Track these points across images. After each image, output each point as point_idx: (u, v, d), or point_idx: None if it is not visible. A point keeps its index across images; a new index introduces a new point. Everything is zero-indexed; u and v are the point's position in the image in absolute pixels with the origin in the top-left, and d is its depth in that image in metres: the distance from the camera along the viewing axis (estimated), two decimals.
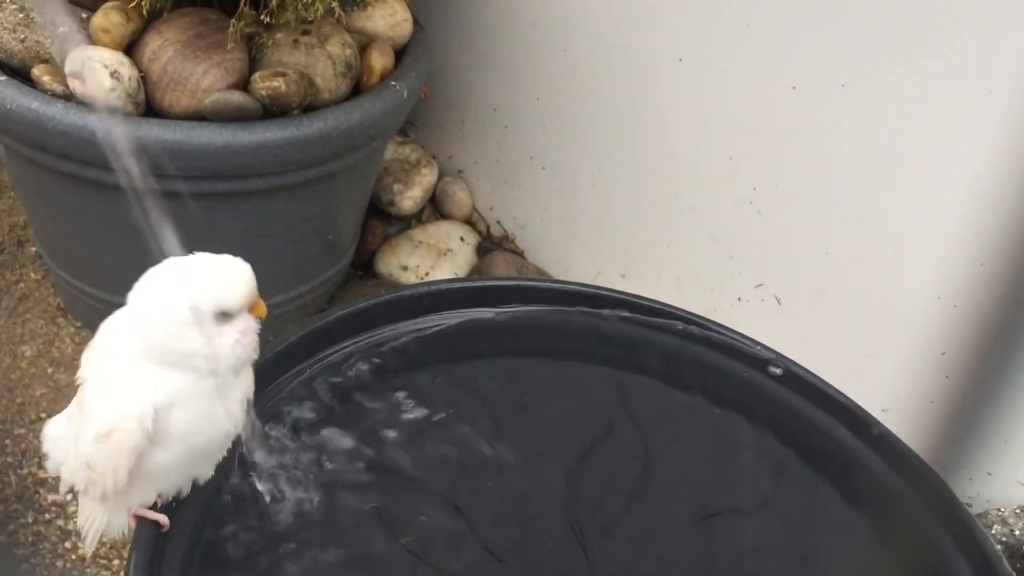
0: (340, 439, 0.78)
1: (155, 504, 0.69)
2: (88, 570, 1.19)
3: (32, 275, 1.56)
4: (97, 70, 1.14)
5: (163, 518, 0.68)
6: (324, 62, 1.27)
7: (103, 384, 0.66)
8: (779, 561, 0.77)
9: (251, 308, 0.66)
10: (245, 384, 0.69)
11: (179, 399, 0.64)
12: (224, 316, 0.64)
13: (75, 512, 1.24)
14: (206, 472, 0.70)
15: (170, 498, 0.69)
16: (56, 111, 1.14)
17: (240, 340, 0.65)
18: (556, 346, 0.90)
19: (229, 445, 0.70)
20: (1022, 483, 1.12)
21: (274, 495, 0.73)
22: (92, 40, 1.20)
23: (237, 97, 1.18)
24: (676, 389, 0.88)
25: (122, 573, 1.19)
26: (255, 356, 0.67)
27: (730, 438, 0.85)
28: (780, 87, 1.20)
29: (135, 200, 0.63)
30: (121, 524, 0.70)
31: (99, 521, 0.70)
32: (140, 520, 0.68)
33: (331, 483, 0.75)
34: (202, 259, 0.66)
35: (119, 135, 0.61)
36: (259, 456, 0.72)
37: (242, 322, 0.65)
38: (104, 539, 0.73)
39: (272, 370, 0.78)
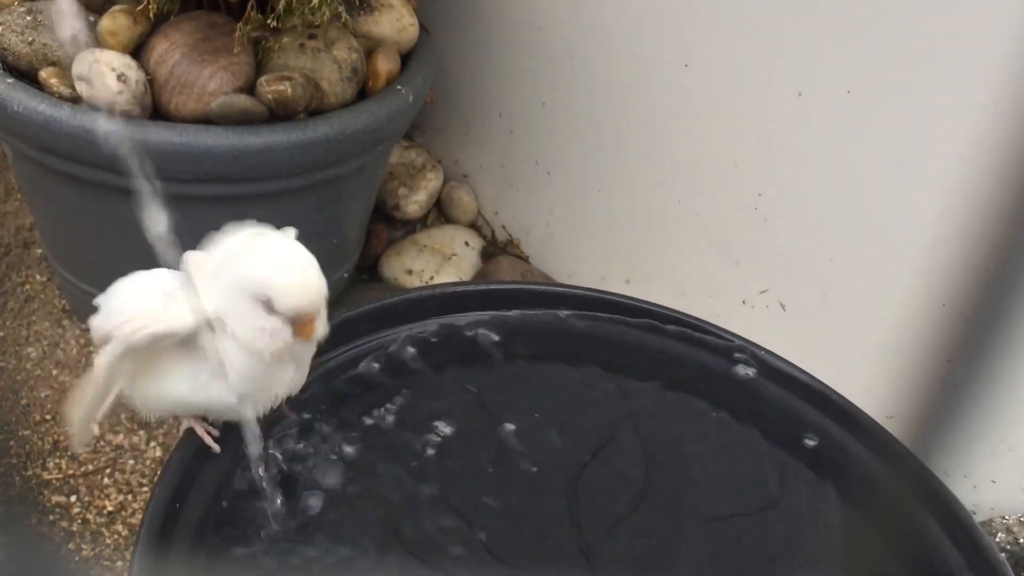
0: (341, 442, 0.79)
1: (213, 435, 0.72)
2: (92, 572, 1.19)
3: (38, 277, 1.56)
4: (104, 73, 1.14)
5: (215, 446, 0.71)
6: (330, 66, 1.27)
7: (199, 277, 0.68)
8: (784, 565, 0.77)
9: (297, 322, 0.65)
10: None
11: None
12: (269, 306, 0.64)
13: (79, 514, 1.25)
14: (241, 413, 0.71)
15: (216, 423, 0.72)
16: (63, 114, 1.14)
17: (266, 333, 0.65)
18: (559, 350, 0.90)
19: (272, 404, 0.71)
20: None
21: (279, 493, 0.73)
22: (99, 43, 1.20)
23: (243, 100, 1.18)
24: (679, 393, 0.88)
25: (125, 574, 1.20)
26: (279, 359, 0.67)
27: (733, 442, 0.85)
28: (786, 93, 1.20)
29: (139, 203, 0.63)
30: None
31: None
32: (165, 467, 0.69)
33: (333, 484, 0.75)
34: (289, 250, 0.66)
35: (125, 138, 0.61)
36: (256, 452, 0.72)
37: (278, 322, 0.65)
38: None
39: None
